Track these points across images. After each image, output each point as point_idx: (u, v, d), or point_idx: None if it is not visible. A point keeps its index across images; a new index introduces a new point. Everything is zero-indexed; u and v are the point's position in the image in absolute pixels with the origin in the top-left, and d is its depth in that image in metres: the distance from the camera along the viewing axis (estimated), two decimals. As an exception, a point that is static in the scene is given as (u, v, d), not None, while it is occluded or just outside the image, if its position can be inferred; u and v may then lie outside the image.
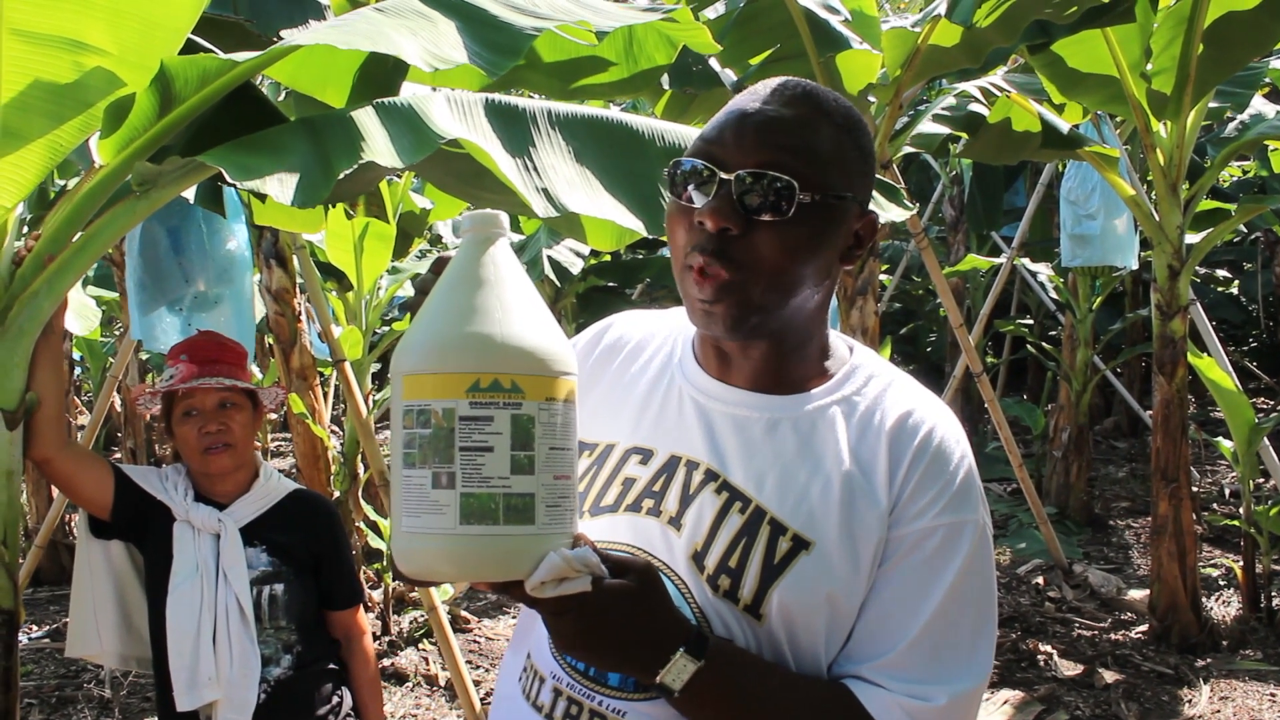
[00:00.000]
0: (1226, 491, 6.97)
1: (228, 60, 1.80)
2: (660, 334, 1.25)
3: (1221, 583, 5.32)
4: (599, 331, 1.29)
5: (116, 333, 8.32)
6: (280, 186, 1.67)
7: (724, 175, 1.04)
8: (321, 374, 4.79)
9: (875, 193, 2.20)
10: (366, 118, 1.86)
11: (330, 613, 2.23)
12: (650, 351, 1.23)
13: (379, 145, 1.76)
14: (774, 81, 1.12)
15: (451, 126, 1.81)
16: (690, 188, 1.07)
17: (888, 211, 2.16)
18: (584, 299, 8.68)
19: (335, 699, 2.19)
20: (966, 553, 1.07)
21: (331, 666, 2.21)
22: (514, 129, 1.95)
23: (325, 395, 5.40)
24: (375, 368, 5.13)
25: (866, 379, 1.15)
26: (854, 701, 1.04)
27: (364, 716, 2.24)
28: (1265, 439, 4.89)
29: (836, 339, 1.20)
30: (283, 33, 2.84)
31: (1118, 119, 5.31)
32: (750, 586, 1.05)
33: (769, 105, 1.07)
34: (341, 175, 1.69)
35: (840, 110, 1.11)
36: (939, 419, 1.12)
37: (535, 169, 1.91)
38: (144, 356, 6.50)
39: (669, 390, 1.18)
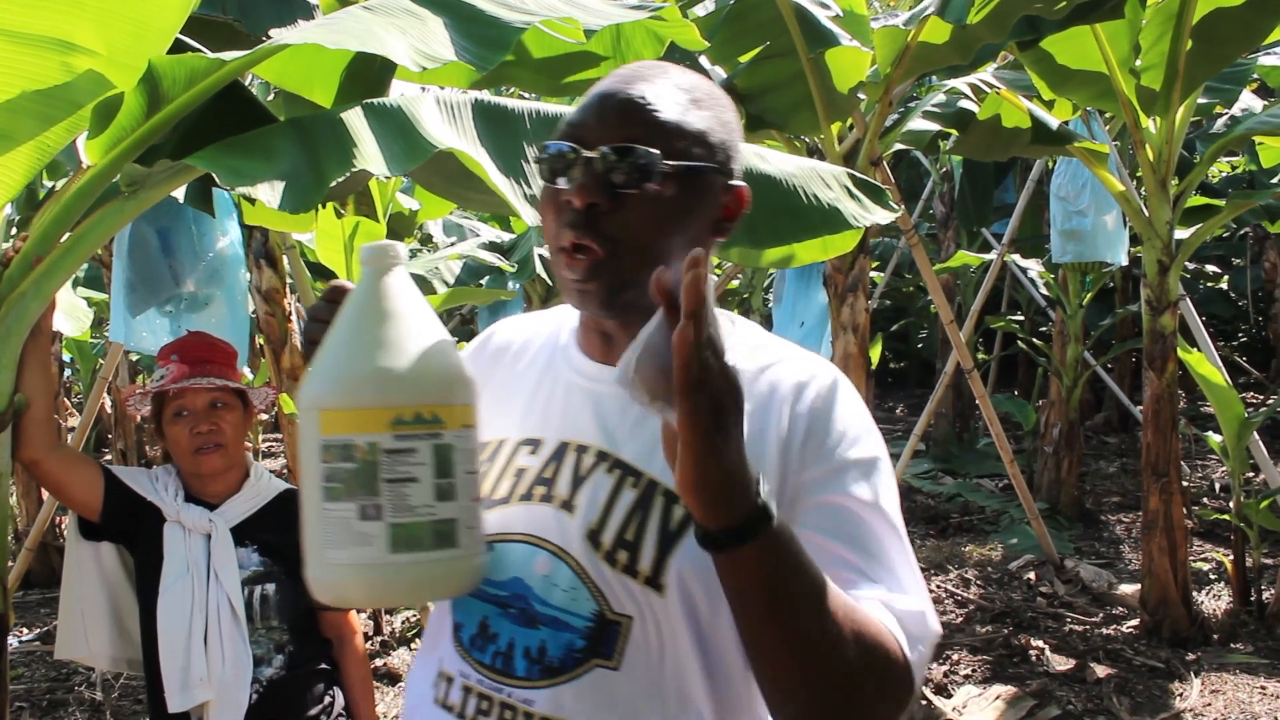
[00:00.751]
0: (1216, 486, 7.00)
1: (216, 60, 1.79)
2: (544, 331, 1.28)
3: (1212, 576, 5.34)
4: (483, 340, 1.32)
5: (106, 334, 8.30)
6: (272, 192, 1.67)
7: (587, 154, 1.06)
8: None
9: (860, 194, 2.21)
10: (357, 120, 1.85)
11: (322, 612, 2.23)
12: (535, 349, 1.26)
13: (370, 152, 1.77)
14: (634, 64, 1.16)
15: (442, 133, 1.81)
16: (558, 171, 1.09)
17: (873, 214, 2.17)
18: (574, 298, 8.64)
19: (327, 699, 2.19)
20: (879, 485, 1.10)
21: (323, 666, 2.20)
22: (503, 132, 1.95)
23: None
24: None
25: (752, 348, 1.18)
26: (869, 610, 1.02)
27: (356, 716, 2.24)
28: (1255, 433, 4.91)
29: (720, 315, 1.20)
30: (271, 32, 2.84)
31: (1107, 115, 5.32)
32: (649, 557, 1.07)
33: (628, 85, 1.10)
34: (334, 183, 1.70)
35: (700, 86, 1.14)
36: (829, 378, 1.15)
37: (524, 174, 1.91)
38: (134, 358, 6.48)
39: (555, 380, 1.21)
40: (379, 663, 4.37)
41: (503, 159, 1.89)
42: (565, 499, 1.11)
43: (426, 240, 8.21)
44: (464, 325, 10.09)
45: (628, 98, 1.09)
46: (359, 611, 2.30)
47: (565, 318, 1.26)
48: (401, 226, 5.34)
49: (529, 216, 1.87)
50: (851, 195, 2.12)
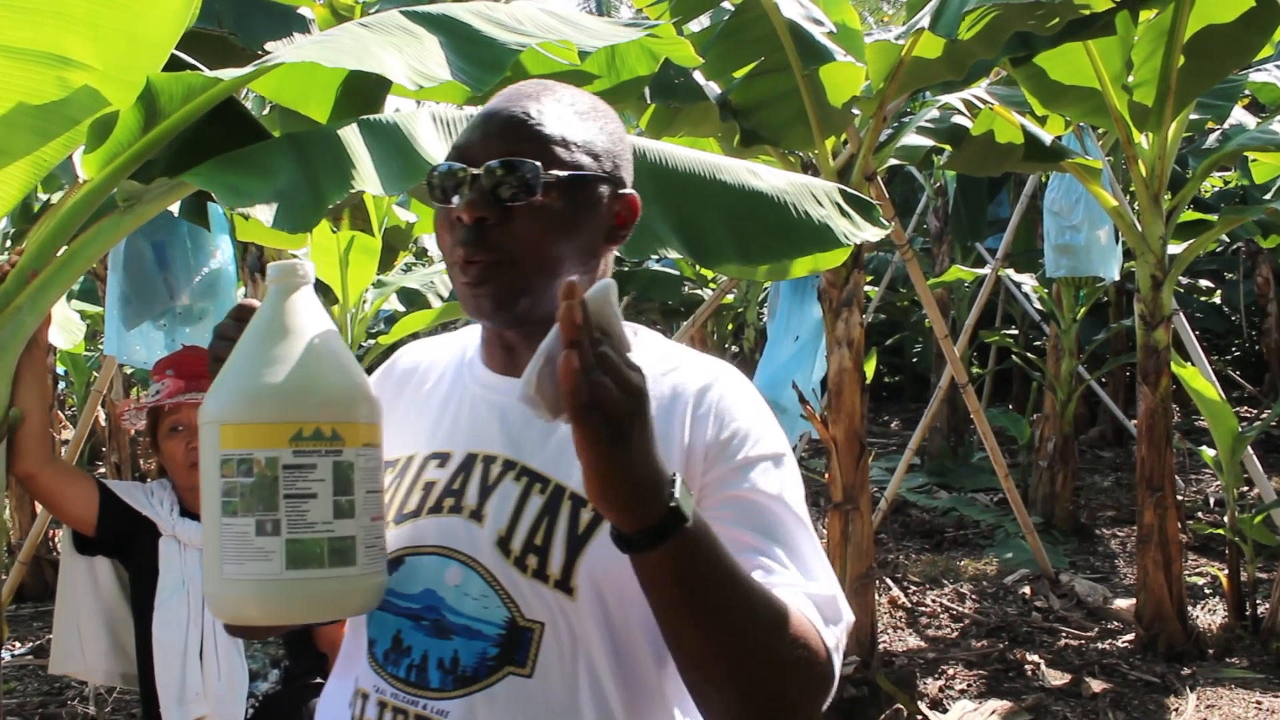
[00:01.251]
0: (1211, 500, 7.01)
1: (212, 76, 1.80)
2: (449, 351, 1.30)
3: (1207, 591, 5.34)
4: (388, 366, 1.34)
5: (100, 347, 8.29)
6: (269, 211, 1.68)
7: (474, 171, 1.09)
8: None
9: (851, 210, 2.21)
10: (353, 137, 1.86)
11: (318, 627, 2.22)
12: (441, 368, 1.28)
13: (367, 171, 1.78)
14: (519, 84, 1.19)
15: (439, 151, 1.82)
16: (449, 192, 1.11)
17: (863, 230, 2.17)
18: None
19: (322, 714, 2.18)
20: (785, 479, 1.14)
21: (318, 681, 2.20)
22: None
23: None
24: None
25: (650, 356, 1.19)
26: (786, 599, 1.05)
27: (350, 731, 2.23)
28: (1249, 447, 4.92)
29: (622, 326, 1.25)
30: (269, 47, 2.85)
31: (1100, 130, 5.35)
32: (558, 560, 1.08)
33: (511, 103, 1.14)
34: (332, 204, 1.71)
35: (583, 100, 1.18)
36: (729, 380, 1.18)
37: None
38: (128, 371, 6.47)
39: (462, 396, 1.23)
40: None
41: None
42: (474, 509, 1.13)
43: (422, 254, 8.23)
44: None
45: (510, 114, 1.13)
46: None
47: (470, 337, 1.29)
48: (397, 240, 5.35)
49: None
50: (843, 212, 2.13)
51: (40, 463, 1.92)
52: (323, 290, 4.96)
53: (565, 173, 1.11)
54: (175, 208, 2.62)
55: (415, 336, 8.96)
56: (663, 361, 1.20)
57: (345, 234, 4.26)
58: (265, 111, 3.46)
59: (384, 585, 1.07)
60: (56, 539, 5.92)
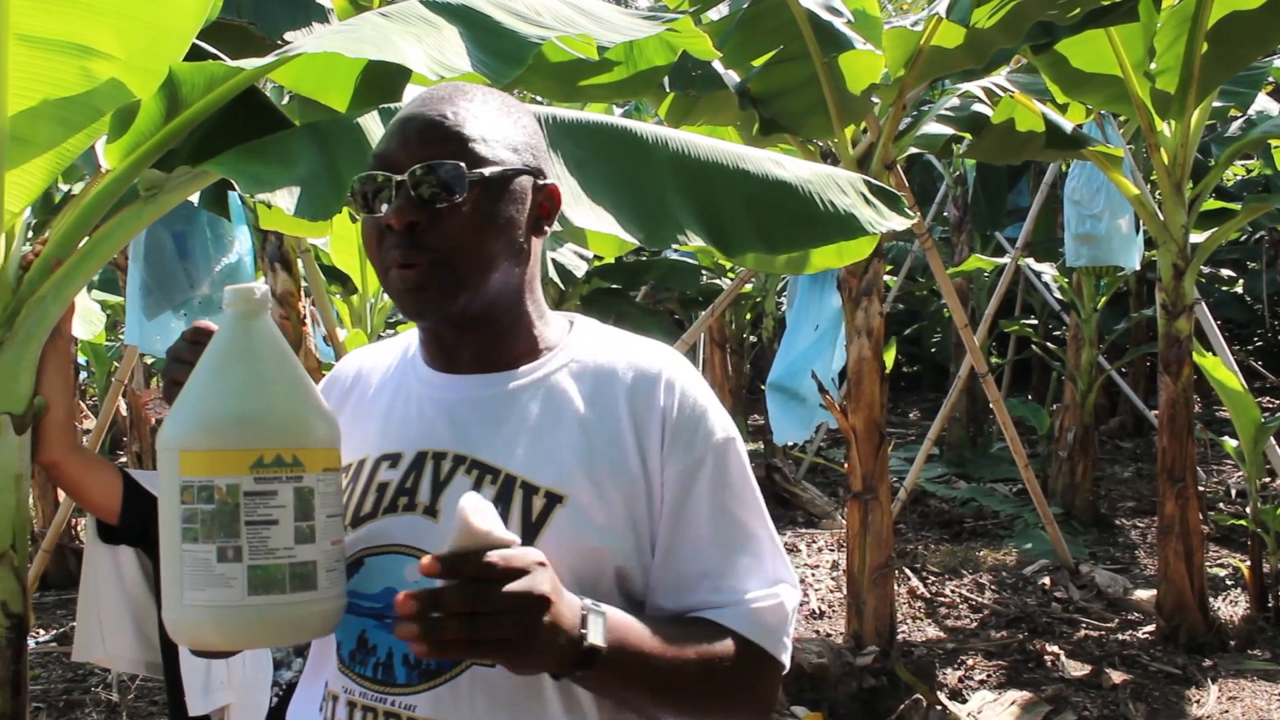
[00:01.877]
0: (1233, 491, 6.97)
1: (234, 66, 1.80)
2: (391, 355, 1.32)
3: (1229, 582, 5.31)
4: (332, 376, 1.36)
5: (121, 336, 8.34)
6: (290, 198, 1.68)
7: (398, 177, 1.12)
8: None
9: (876, 200, 2.20)
10: (375, 126, 1.87)
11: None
12: (383, 372, 1.30)
13: None
14: (432, 88, 1.22)
15: None
16: (375, 200, 1.13)
17: (889, 220, 2.15)
18: (588, 301, 8.68)
19: (344, 702, 2.19)
20: (737, 468, 1.19)
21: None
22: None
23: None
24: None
25: (592, 343, 1.24)
26: (716, 628, 1.14)
27: (373, 719, 2.24)
28: (1271, 438, 4.89)
29: (557, 316, 1.28)
30: (289, 37, 2.85)
31: (1121, 118, 5.31)
32: None
33: (425, 108, 1.16)
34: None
35: (495, 97, 1.21)
36: (668, 362, 1.21)
37: (542, 181, 1.91)
38: (149, 360, 6.51)
39: (407, 396, 1.24)
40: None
41: (519, 165, 1.89)
42: (427, 505, 1.15)
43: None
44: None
45: (427, 118, 1.15)
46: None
47: (410, 339, 1.31)
48: (415, 230, 5.35)
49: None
50: (867, 202, 2.12)
51: (64, 451, 1.92)
52: (341, 279, 4.97)
53: (488, 170, 1.13)
54: (195, 197, 2.63)
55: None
56: (601, 350, 1.23)
57: (364, 224, 4.27)
58: (284, 101, 3.47)
59: (344, 608, 1.08)
60: (79, 527, 5.96)
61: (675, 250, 8.76)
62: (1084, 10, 3.60)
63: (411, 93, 2.33)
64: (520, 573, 0.97)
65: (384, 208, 1.13)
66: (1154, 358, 8.60)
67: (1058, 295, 7.67)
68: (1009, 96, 4.44)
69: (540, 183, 1.20)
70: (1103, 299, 6.51)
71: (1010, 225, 8.24)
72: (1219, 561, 5.59)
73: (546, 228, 1.21)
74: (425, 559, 0.97)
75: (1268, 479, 6.09)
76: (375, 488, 1.19)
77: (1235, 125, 6.02)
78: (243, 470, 1.00)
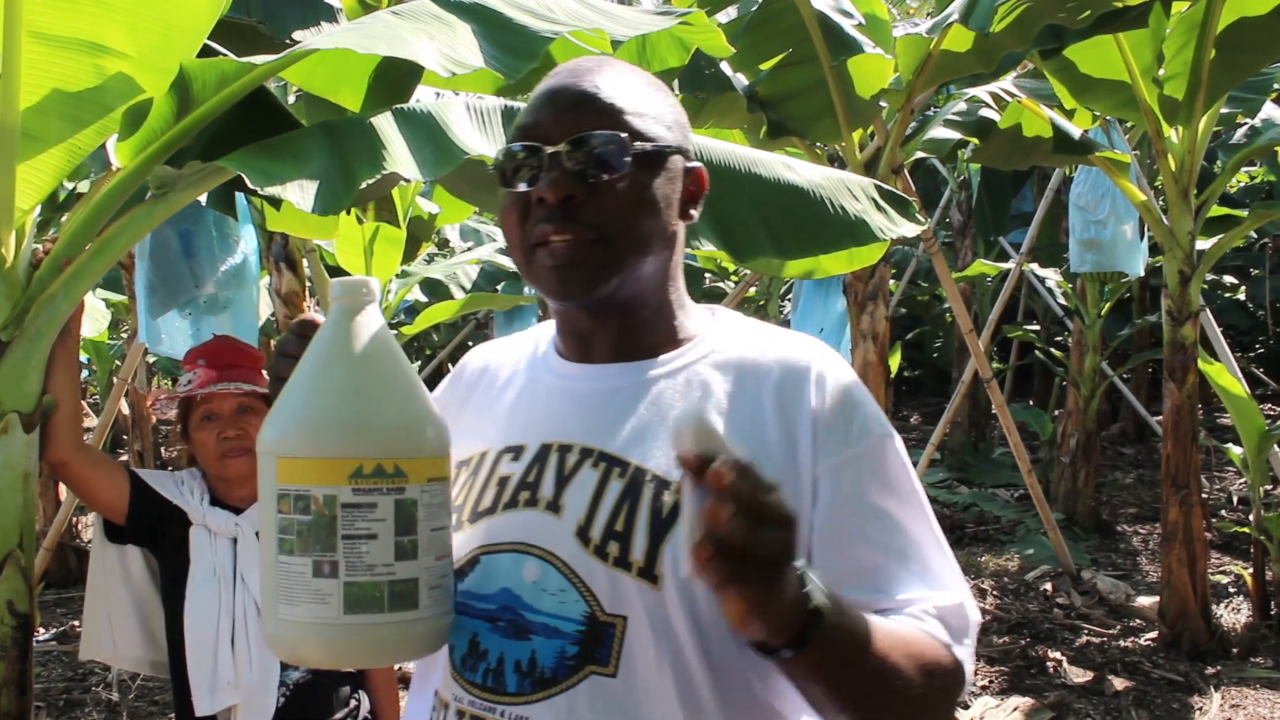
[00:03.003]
0: (1235, 498, 6.96)
1: (246, 63, 1.79)
2: (520, 350, 1.26)
3: (1231, 590, 5.30)
4: (459, 370, 1.30)
5: (123, 335, 8.32)
6: (302, 194, 1.67)
7: (550, 149, 1.05)
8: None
9: (887, 205, 2.19)
10: (387, 125, 1.85)
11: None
12: (511, 365, 1.24)
13: (400, 155, 1.76)
14: (573, 61, 1.14)
15: (472, 139, 1.81)
16: (520, 174, 1.07)
17: (900, 226, 2.15)
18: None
19: (353, 701, 2.18)
20: (897, 465, 1.09)
21: (349, 670, 2.20)
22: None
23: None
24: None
25: (735, 334, 1.16)
26: (917, 629, 1.02)
27: (381, 718, 2.23)
28: (1275, 445, 4.88)
29: (698, 306, 1.21)
30: (300, 35, 2.84)
31: (1127, 124, 5.30)
32: (641, 547, 1.02)
33: (576, 79, 1.09)
34: (364, 185, 1.69)
35: (642, 73, 1.15)
36: (817, 355, 1.12)
37: (551, 182, 1.90)
38: (150, 360, 6.50)
39: (535, 389, 1.18)
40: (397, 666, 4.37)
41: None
42: (550, 500, 1.07)
43: (444, 245, 8.24)
44: (479, 330, 10.10)
45: (581, 89, 1.08)
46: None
47: (541, 334, 1.25)
48: (420, 230, 5.35)
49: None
50: (878, 207, 2.11)
51: (72, 450, 1.92)
52: (345, 280, 4.95)
53: (649, 145, 1.07)
54: (203, 197, 2.63)
55: (438, 328, 8.94)
56: (756, 336, 1.15)
57: (370, 224, 4.26)
58: (291, 101, 3.46)
59: (449, 626, 1.02)
60: (80, 526, 5.96)
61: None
62: (1094, 14, 3.59)
63: (423, 92, 2.33)
64: (777, 489, 0.85)
65: (522, 185, 1.06)
66: (1156, 364, 8.61)
67: (1061, 301, 7.65)
68: (1016, 101, 4.44)
69: (689, 165, 1.14)
70: (1107, 305, 6.50)
71: (1014, 230, 8.24)
72: (1221, 569, 5.58)
73: (693, 211, 1.15)
74: (715, 470, 0.81)
75: (1269, 486, 6.08)
76: (496, 481, 1.11)
77: (1240, 132, 6.00)
78: (340, 480, 0.93)
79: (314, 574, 0.94)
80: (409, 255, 5.23)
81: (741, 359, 1.12)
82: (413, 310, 7.68)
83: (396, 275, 4.92)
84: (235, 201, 3.19)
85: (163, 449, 6.95)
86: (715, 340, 1.15)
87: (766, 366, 1.11)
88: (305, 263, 4.12)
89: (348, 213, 3.35)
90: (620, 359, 1.13)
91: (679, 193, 1.12)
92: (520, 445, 1.13)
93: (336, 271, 4.75)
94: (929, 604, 1.04)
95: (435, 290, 7.36)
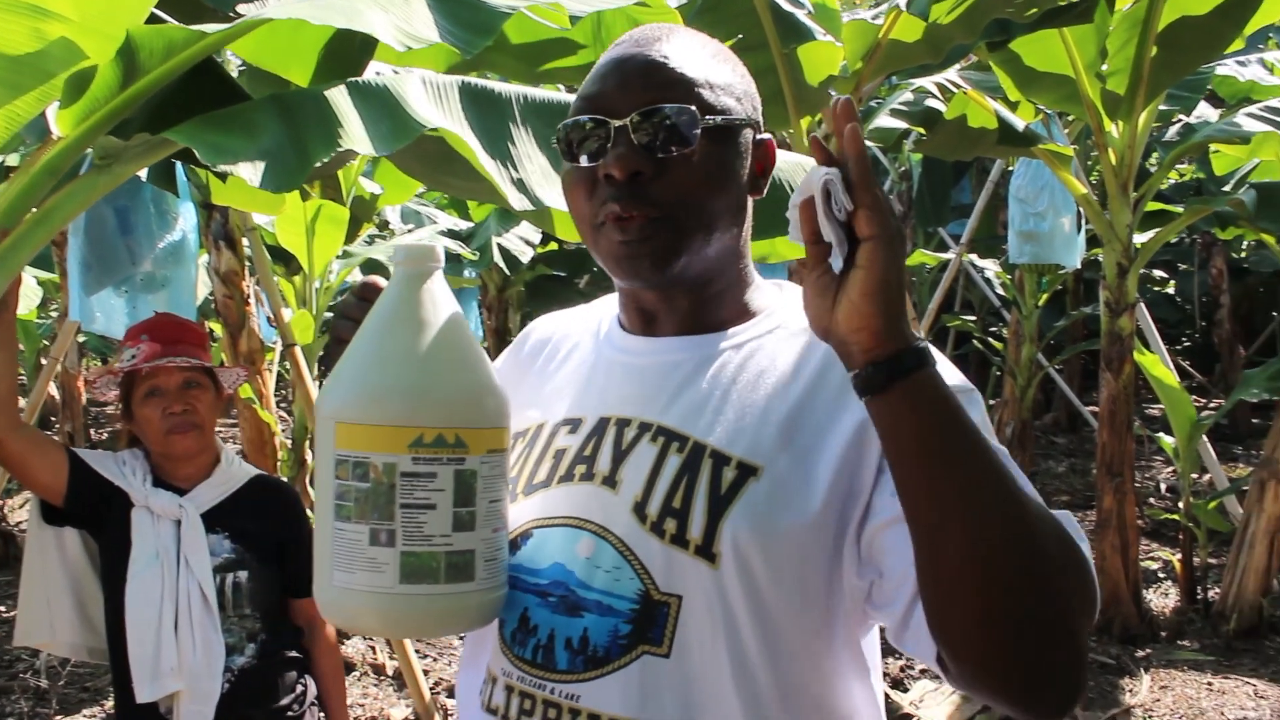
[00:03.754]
0: (1162, 486, 7.13)
1: (195, 31, 1.74)
2: (582, 322, 1.23)
3: (1161, 575, 5.43)
4: (521, 340, 1.28)
5: (54, 314, 8.09)
6: (254, 170, 1.62)
7: (617, 122, 1.01)
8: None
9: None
10: (341, 99, 1.81)
11: (293, 600, 2.18)
12: (574, 339, 1.21)
13: (356, 131, 1.72)
14: (639, 29, 1.10)
15: (431, 114, 1.77)
16: (583, 148, 1.04)
17: None
18: (532, 287, 8.64)
19: (299, 688, 2.14)
20: (979, 419, 0.99)
21: (295, 655, 2.16)
22: (490, 116, 1.92)
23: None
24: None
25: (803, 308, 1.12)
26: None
27: (328, 705, 2.19)
28: (1204, 436, 5.00)
29: (767, 282, 1.17)
30: (241, 9, 2.77)
31: (1070, 118, 5.39)
32: (699, 524, 0.99)
33: (644, 47, 1.05)
34: (319, 162, 1.65)
35: (709, 40, 1.10)
36: None
37: (512, 160, 1.88)
38: (81, 338, 6.34)
39: (596, 362, 1.16)
40: (333, 653, 4.32)
41: (490, 143, 1.86)
42: (606, 475, 1.05)
43: (384, 226, 8.12)
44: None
45: (648, 58, 1.04)
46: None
47: (604, 309, 1.22)
48: (362, 211, 5.27)
49: (516, 201, 1.84)
50: (837, 190, 2.12)
51: (8, 429, 1.86)
52: (285, 259, 4.87)
53: (719, 118, 1.03)
54: (143, 172, 2.55)
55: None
56: None
57: (313, 203, 4.19)
58: (235, 75, 3.37)
59: (503, 599, 1.01)
60: (6, 508, 5.79)
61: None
62: (1041, 9, 3.63)
63: (375, 69, 2.28)
64: None
65: (591, 157, 1.03)
66: (1089, 355, 8.79)
67: (999, 291, 7.78)
68: (962, 93, 4.48)
69: (759, 137, 1.09)
70: (1044, 296, 6.62)
71: (952, 221, 8.34)
72: (1149, 555, 5.71)
73: (762, 186, 1.11)
74: (844, 101, 0.89)
75: (1198, 475, 6.24)
76: (552, 454, 1.09)
77: (1173, 130, 6.14)
78: (400, 449, 0.92)
79: (370, 542, 0.93)
80: (349, 236, 5.15)
81: (808, 332, 1.04)
82: (329, 333, 7.56)
83: (338, 256, 4.84)
84: (176, 177, 3.11)
85: (92, 430, 6.79)
86: (782, 314, 1.11)
87: None
88: (245, 241, 4.03)
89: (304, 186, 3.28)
90: (684, 333, 1.10)
91: (748, 167, 1.08)
92: (578, 418, 1.11)
93: (277, 251, 4.66)
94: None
95: (374, 272, 7.26)
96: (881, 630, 1.08)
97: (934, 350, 1.01)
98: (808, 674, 1.01)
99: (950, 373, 1.00)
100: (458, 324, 0.98)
